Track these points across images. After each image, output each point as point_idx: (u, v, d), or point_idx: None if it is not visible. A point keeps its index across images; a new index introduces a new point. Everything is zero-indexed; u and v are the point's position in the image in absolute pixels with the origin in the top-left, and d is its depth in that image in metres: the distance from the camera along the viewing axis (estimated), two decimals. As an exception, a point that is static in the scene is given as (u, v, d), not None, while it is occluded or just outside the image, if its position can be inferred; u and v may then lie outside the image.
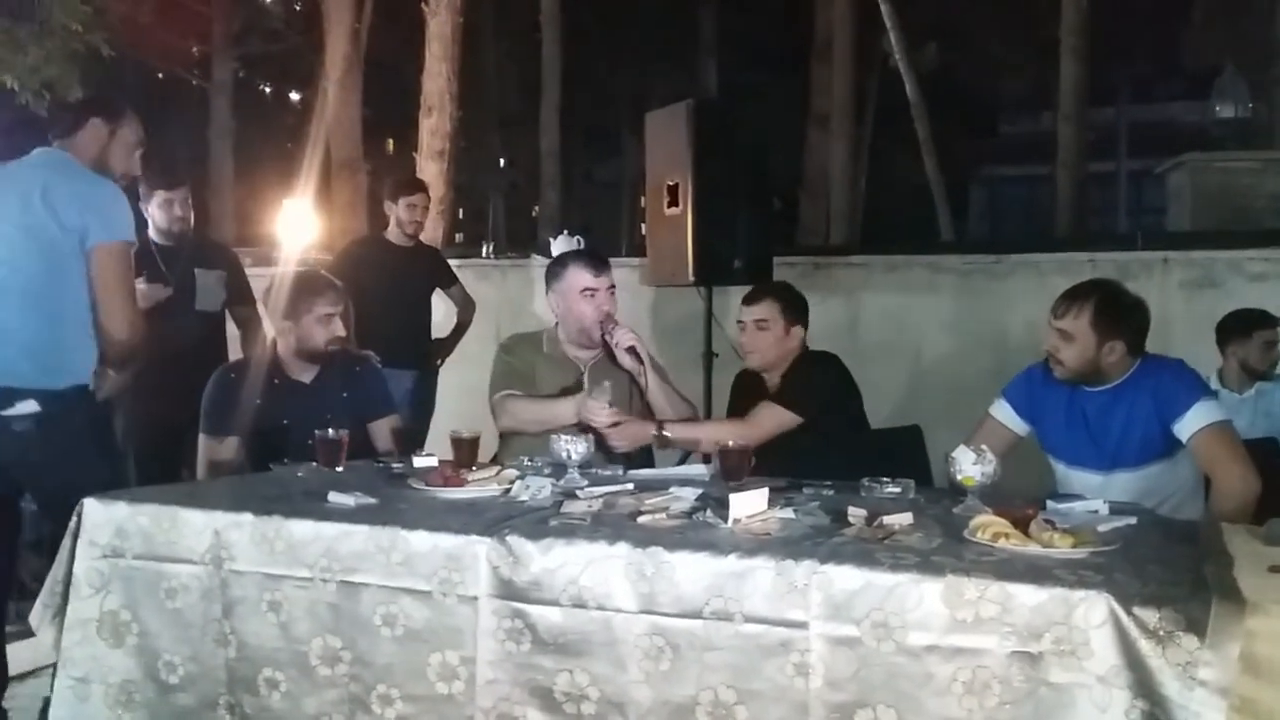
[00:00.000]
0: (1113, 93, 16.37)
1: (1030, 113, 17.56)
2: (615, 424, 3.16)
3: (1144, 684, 1.70)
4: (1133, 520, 2.30)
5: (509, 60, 14.19)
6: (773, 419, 3.34)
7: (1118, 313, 2.92)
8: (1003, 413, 3.12)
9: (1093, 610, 1.75)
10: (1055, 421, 3.05)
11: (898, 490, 2.62)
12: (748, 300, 3.56)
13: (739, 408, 3.56)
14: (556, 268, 3.41)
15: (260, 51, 14.16)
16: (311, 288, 3.38)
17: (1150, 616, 1.72)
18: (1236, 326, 4.43)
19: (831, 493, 2.61)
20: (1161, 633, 1.70)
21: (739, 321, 3.54)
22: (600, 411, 3.13)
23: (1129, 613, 1.72)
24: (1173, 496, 2.95)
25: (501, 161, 16.11)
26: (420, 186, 5.21)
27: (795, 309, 3.52)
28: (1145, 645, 1.70)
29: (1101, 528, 2.17)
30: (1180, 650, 1.68)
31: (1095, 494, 2.74)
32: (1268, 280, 5.40)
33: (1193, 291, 5.43)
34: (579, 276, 3.32)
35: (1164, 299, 5.43)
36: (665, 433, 3.25)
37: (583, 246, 3.48)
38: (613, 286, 3.35)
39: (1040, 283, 5.46)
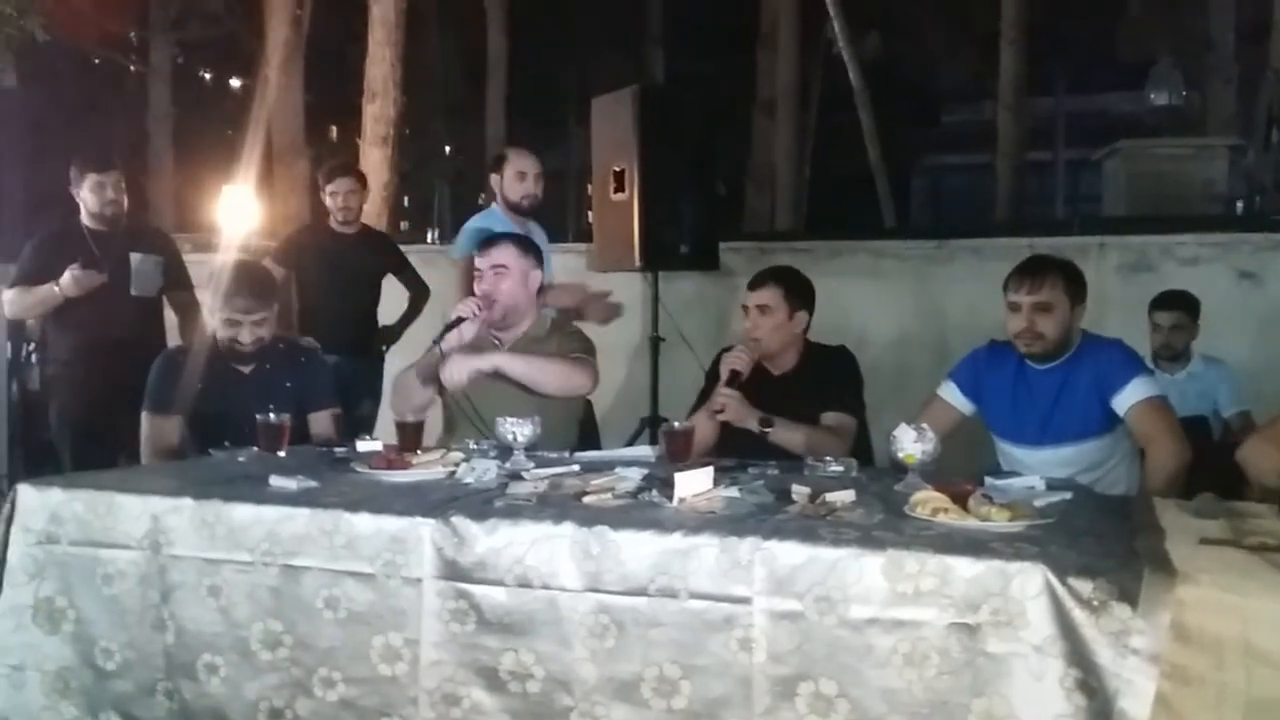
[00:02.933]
0: (1051, 83, 16.62)
1: (972, 102, 17.76)
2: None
3: (1078, 653, 1.74)
4: (1068, 496, 2.36)
5: (454, 47, 14.06)
6: (851, 427, 3.25)
7: (1081, 280, 3.06)
8: (949, 393, 3.19)
9: (1028, 581, 1.78)
10: (1000, 401, 3.13)
11: (840, 469, 2.66)
12: (752, 285, 3.40)
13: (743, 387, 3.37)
14: None
15: (200, 37, 13.90)
16: (227, 287, 3.28)
17: (1084, 587, 1.76)
18: (1150, 308, 4.52)
19: (776, 472, 2.63)
20: (1095, 603, 1.74)
21: (743, 306, 3.39)
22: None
23: (1064, 583, 1.76)
24: (1111, 471, 3.05)
25: (447, 149, 15.96)
26: (347, 171, 5.07)
27: (799, 294, 3.36)
28: (1079, 615, 1.74)
29: (1038, 503, 2.22)
30: (1113, 619, 1.72)
31: (1038, 469, 2.82)
32: (1199, 264, 5.52)
33: (1127, 275, 5.53)
34: (474, 259, 3.35)
35: (1100, 282, 5.51)
36: (769, 428, 3.14)
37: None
38: (501, 265, 3.29)
39: (980, 268, 5.53)
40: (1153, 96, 8.50)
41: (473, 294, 3.35)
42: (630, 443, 4.28)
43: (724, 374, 3.22)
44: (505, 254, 3.32)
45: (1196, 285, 4.78)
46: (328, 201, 4.91)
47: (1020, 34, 9.76)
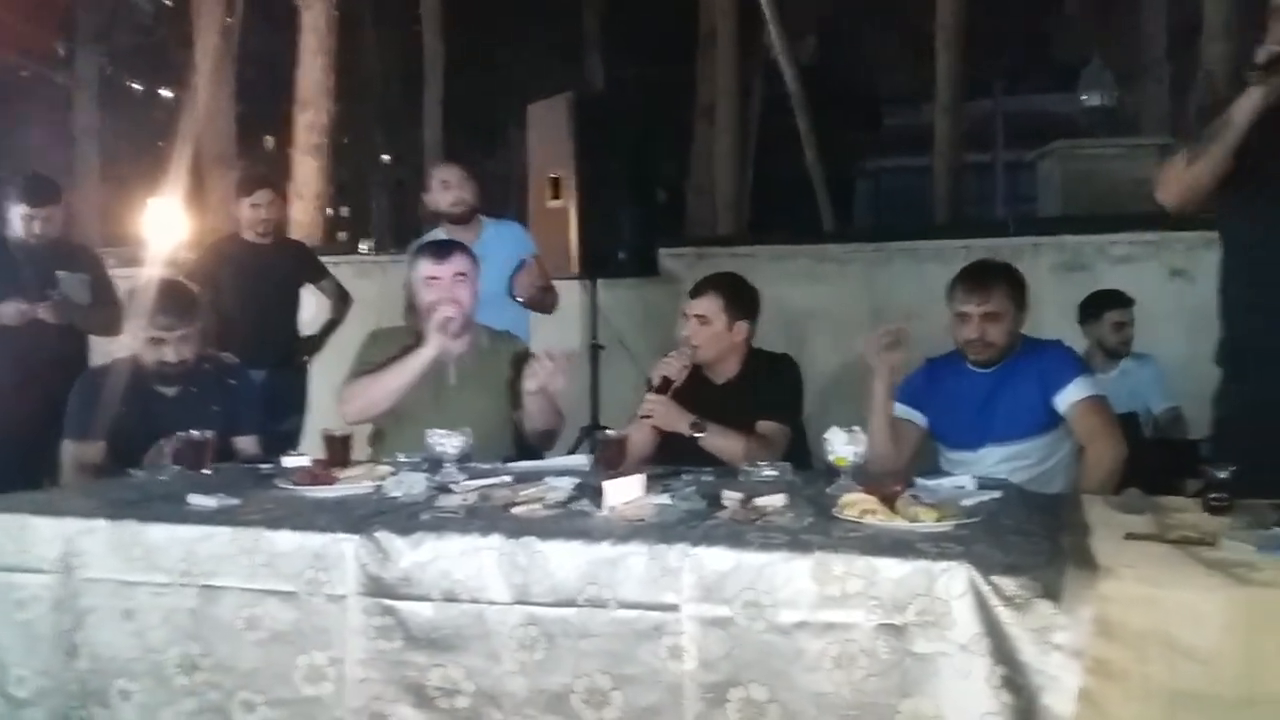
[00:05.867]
0: (990, 85, 16.86)
1: (913, 105, 17.93)
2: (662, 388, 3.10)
3: (1003, 650, 1.74)
4: (997, 495, 2.36)
5: (389, 53, 13.90)
6: (783, 437, 3.22)
7: (1023, 284, 3.12)
8: (903, 411, 3.20)
9: (954, 581, 1.78)
10: (945, 409, 3.17)
11: (774, 473, 2.64)
12: (692, 293, 3.35)
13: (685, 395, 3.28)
14: (411, 259, 3.34)
15: (129, 46, 13.63)
16: (149, 305, 3.19)
17: (1008, 585, 1.76)
18: (1090, 308, 4.60)
19: (710, 478, 2.62)
20: (1019, 600, 1.75)
21: (683, 313, 3.34)
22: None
23: (988, 582, 1.77)
24: (1052, 468, 3.10)
25: (386, 158, 15.79)
26: (263, 184, 4.95)
27: (740, 302, 3.31)
28: (1004, 613, 1.75)
29: (966, 502, 2.23)
30: (1037, 616, 1.74)
31: (981, 470, 2.87)
32: (1131, 262, 5.62)
33: (1062, 275, 5.61)
34: (423, 265, 3.24)
35: (1035, 282, 5.50)
36: (700, 433, 3.09)
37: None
38: (461, 273, 3.23)
39: (918, 270, 5.58)
40: (1084, 97, 8.65)
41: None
42: (571, 453, 4.25)
43: (655, 379, 3.20)
44: (464, 262, 3.27)
45: (1129, 284, 4.87)
46: (245, 214, 4.80)
47: (955, 35, 9.89)
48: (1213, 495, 2.21)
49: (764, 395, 3.28)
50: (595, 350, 5.16)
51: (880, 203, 20.86)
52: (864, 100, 17.66)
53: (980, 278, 3.08)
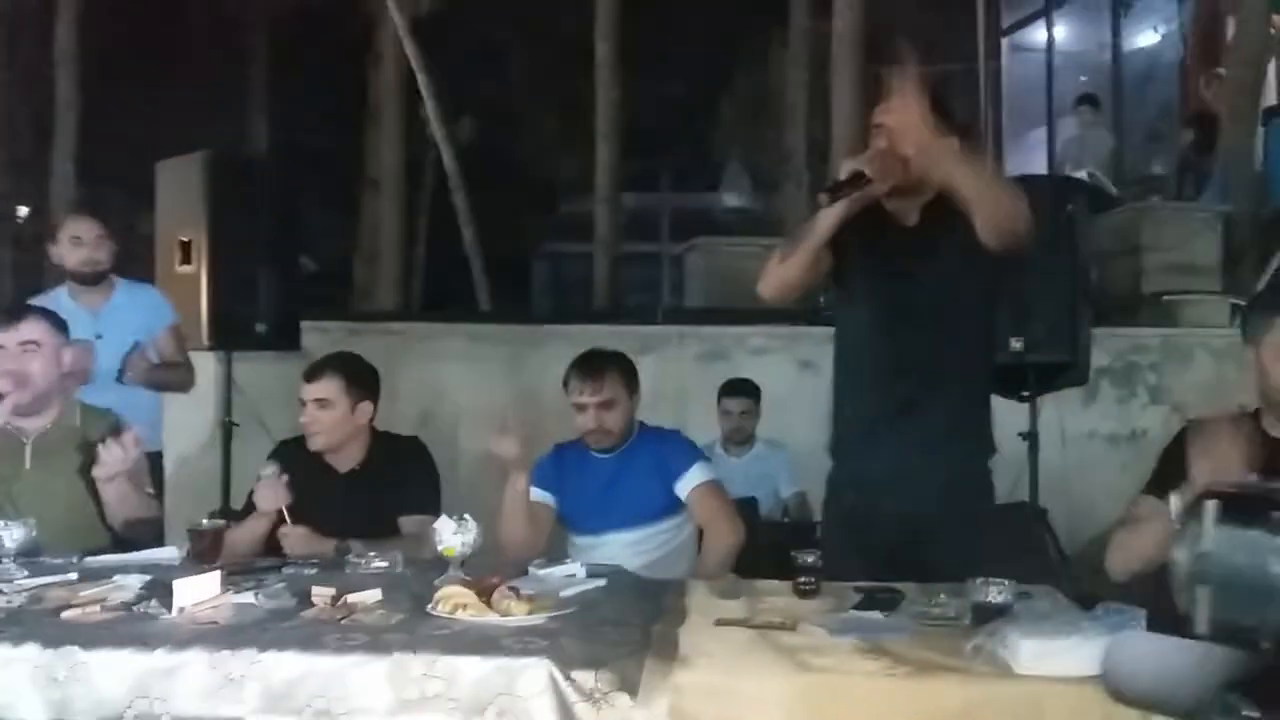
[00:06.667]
0: (658, 179, 17.82)
1: (587, 193, 18.56)
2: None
3: (580, 748, 1.71)
4: (602, 582, 2.36)
5: (20, 97, 12.66)
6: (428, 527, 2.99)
7: (633, 370, 3.20)
8: (535, 494, 3.13)
9: (533, 678, 1.74)
10: (571, 493, 3.19)
11: (385, 564, 2.52)
12: (308, 376, 3.14)
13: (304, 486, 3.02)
14: None
15: None
16: None
17: (588, 679, 1.74)
18: (720, 395, 4.86)
19: (312, 572, 2.45)
20: (597, 695, 1.73)
21: (300, 400, 3.12)
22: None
23: (567, 678, 1.74)
24: (675, 552, 3.16)
25: (20, 209, 14.27)
26: None
27: (362, 383, 3.15)
28: (581, 709, 1.72)
29: (567, 592, 2.21)
30: (614, 711, 1.72)
31: (608, 555, 2.91)
32: (766, 354, 5.99)
33: (706, 364, 5.88)
34: None
35: (681, 370, 5.85)
36: (346, 554, 2.71)
37: None
38: (31, 342, 2.89)
39: (571, 354, 5.64)
40: (724, 198, 9.21)
41: None
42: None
43: (271, 503, 2.94)
44: (37, 329, 2.91)
45: (763, 374, 5.17)
46: None
47: (614, 129, 10.29)
48: (800, 579, 2.31)
49: (402, 485, 3.12)
50: (229, 428, 4.83)
51: (557, 287, 21.32)
52: (537, 184, 18.07)
53: (592, 366, 3.14)
